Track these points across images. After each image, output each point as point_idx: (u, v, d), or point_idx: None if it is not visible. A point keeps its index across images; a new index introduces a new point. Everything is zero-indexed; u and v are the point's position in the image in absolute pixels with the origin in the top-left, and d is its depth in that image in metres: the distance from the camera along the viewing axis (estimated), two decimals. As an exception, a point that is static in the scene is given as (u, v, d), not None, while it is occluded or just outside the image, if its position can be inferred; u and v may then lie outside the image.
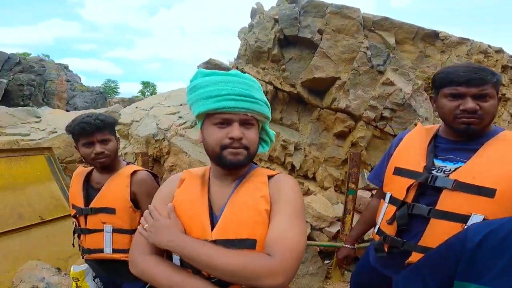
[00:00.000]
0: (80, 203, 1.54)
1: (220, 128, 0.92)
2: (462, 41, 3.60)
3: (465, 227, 0.85)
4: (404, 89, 3.29)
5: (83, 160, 1.55)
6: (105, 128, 1.48)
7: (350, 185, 2.89)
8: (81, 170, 1.67)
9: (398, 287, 0.87)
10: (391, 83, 3.30)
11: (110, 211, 1.48)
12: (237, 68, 4.10)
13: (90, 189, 1.59)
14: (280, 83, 3.97)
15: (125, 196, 1.48)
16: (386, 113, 3.37)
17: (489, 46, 3.76)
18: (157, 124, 4.62)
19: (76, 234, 1.62)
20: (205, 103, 0.93)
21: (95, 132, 1.44)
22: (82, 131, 1.44)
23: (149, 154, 4.24)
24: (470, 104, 1.10)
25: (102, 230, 1.49)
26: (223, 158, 0.93)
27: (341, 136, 3.80)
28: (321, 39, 3.50)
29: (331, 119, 3.77)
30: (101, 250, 1.50)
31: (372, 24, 3.50)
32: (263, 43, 3.79)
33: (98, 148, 1.45)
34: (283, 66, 3.86)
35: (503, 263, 0.65)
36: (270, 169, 3.15)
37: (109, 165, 1.53)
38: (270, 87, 3.98)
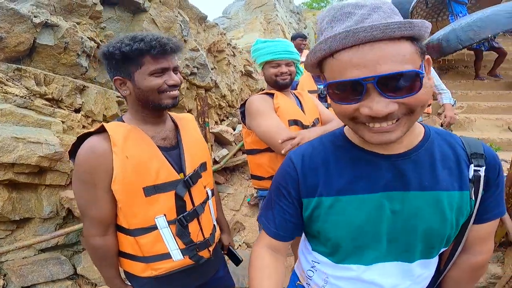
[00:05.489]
0: None
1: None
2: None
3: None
4: (204, 54, 4.88)
5: None
6: None
7: (206, 119, 4.22)
8: None
9: (259, 218, 0.97)
10: (197, 50, 4.77)
11: None
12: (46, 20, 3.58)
13: None
14: (100, 40, 4.03)
15: None
16: (195, 70, 4.82)
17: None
18: None
19: None
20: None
21: None
22: None
23: None
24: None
25: None
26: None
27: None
28: (149, 7, 4.18)
29: (149, 76, 4.54)
30: None
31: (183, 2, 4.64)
32: (88, -3, 3.75)
33: None
34: (103, 24, 4.04)
35: (320, 176, 0.80)
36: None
37: None
38: (92, 43, 3.96)
